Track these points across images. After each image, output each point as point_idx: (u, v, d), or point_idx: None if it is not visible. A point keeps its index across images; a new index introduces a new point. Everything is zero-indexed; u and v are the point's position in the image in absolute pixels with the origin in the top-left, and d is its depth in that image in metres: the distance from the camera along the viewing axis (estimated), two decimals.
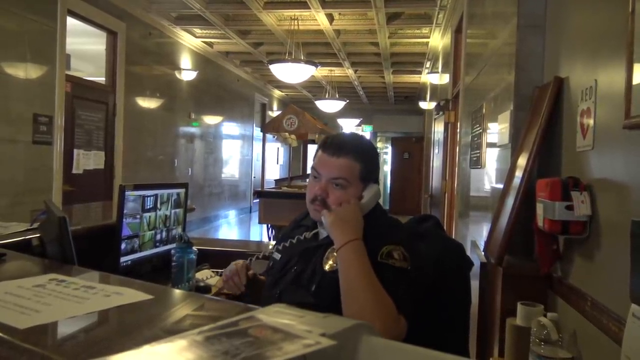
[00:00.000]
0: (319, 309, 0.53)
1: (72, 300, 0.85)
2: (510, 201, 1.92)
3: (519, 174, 1.91)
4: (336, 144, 1.40)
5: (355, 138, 1.49)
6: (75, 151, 5.49)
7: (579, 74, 1.68)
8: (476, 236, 2.96)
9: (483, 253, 2.22)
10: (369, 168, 1.42)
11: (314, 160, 1.45)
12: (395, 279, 1.26)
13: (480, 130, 3.04)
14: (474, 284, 2.21)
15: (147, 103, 7.09)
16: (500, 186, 2.19)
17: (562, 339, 1.41)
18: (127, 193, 1.80)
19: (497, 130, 2.51)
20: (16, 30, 4.54)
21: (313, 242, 1.45)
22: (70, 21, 5.26)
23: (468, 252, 2.18)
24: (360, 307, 1.20)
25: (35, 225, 1.65)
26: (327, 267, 1.35)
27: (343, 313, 1.20)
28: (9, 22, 4.46)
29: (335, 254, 1.33)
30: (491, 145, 2.73)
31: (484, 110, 2.96)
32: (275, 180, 10.23)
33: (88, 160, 5.72)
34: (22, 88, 4.64)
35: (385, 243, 1.31)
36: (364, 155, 1.41)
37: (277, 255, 1.52)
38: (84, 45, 6.47)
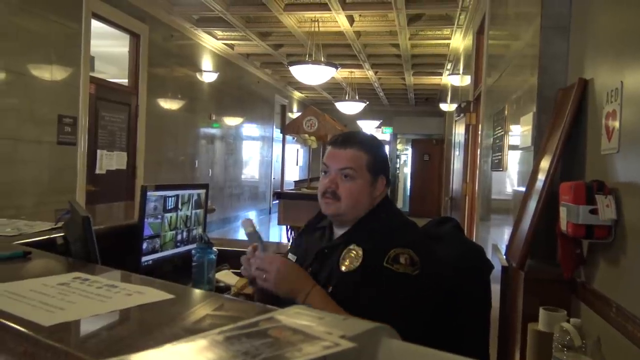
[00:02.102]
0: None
1: (95, 299, 0.86)
2: (532, 204, 1.89)
3: (541, 176, 1.88)
4: (343, 138, 1.46)
5: (362, 133, 1.55)
6: (99, 152, 5.57)
7: (605, 75, 1.65)
8: (498, 240, 2.93)
9: (505, 257, 2.20)
10: (377, 160, 1.43)
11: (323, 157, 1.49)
12: (394, 286, 1.26)
13: (502, 133, 3.01)
14: (495, 288, 2.19)
15: (169, 104, 7.17)
16: (523, 189, 2.16)
17: (585, 345, 1.39)
18: (148, 193, 1.82)
19: (519, 133, 2.48)
20: (42, 33, 4.64)
21: (328, 243, 1.45)
22: (95, 24, 5.35)
23: (489, 256, 2.15)
24: None
25: (60, 224, 1.68)
26: (343, 268, 1.35)
27: None
28: (35, 25, 4.56)
29: (351, 254, 1.34)
30: (513, 147, 2.70)
31: (506, 112, 2.93)
32: (294, 181, 10.25)
33: (111, 160, 5.80)
34: (48, 89, 4.73)
35: (394, 245, 1.30)
36: (370, 146, 1.44)
37: (293, 257, 1.53)
38: (108, 47, 6.57)
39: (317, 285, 1.31)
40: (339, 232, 1.46)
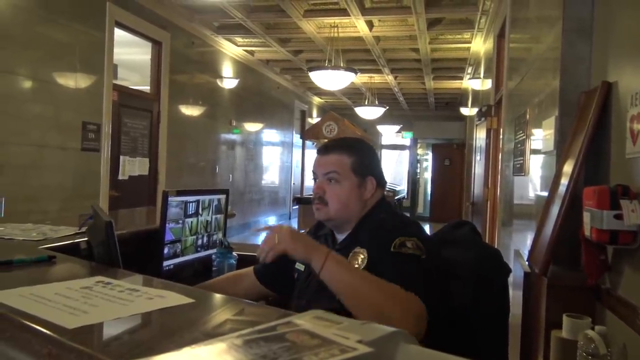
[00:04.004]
0: (345, 315, 0.53)
1: (118, 302, 0.87)
2: (555, 209, 1.87)
3: (564, 181, 1.86)
4: (327, 144, 1.51)
5: (345, 138, 1.60)
6: (121, 158, 5.66)
7: (629, 78, 1.62)
8: (520, 245, 2.89)
9: (527, 263, 2.17)
10: (362, 161, 1.45)
11: None
12: (407, 264, 1.25)
13: (524, 137, 2.97)
14: (517, 294, 2.16)
15: (190, 111, 7.25)
16: (545, 194, 2.13)
17: (610, 353, 1.36)
18: (170, 199, 1.84)
19: (541, 137, 2.45)
20: (67, 42, 4.74)
21: (332, 248, 1.45)
22: (118, 32, 5.44)
23: (511, 262, 2.12)
24: (371, 305, 1.18)
25: (83, 229, 1.71)
26: None
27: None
28: (60, 34, 4.66)
29: (358, 257, 1.34)
30: (535, 152, 2.67)
31: (527, 116, 2.89)
32: None
33: (133, 166, 5.88)
34: (72, 97, 4.83)
35: (399, 235, 1.30)
36: (353, 149, 1.46)
37: (301, 267, 1.53)
38: (131, 55, 6.68)
39: (330, 250, 1.29)
40: (340, 237, 1.47)
